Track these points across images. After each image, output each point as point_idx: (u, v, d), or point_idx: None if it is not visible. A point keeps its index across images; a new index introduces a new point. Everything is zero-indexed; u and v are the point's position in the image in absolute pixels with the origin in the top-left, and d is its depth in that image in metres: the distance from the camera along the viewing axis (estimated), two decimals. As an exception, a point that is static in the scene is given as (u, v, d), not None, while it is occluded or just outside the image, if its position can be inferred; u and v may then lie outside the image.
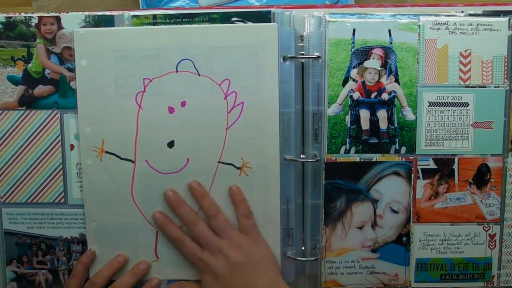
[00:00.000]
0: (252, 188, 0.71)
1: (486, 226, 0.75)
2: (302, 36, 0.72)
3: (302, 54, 0.71)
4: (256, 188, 0.71)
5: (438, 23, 0.72)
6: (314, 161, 0.72)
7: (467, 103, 0.73)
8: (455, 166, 0.74)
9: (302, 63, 0.72)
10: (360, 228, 0.73)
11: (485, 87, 0.72)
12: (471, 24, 0.71)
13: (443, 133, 0.73)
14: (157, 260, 0.73)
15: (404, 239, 0.74)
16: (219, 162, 0.71)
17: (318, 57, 0.71)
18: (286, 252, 0.74)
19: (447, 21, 0.71)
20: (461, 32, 0.72)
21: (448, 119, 0.73)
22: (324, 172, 0.72)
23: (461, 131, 0.73)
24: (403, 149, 0.73)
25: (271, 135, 0.70)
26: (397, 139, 0.73)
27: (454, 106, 0.73)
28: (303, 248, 0.75)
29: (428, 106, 0.73)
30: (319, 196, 0.73)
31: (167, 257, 0.73)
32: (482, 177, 0.74)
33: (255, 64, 0.69)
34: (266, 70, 0.69)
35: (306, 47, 0.72)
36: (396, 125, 0.73)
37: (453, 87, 0.72)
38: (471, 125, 0.73)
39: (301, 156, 0.73)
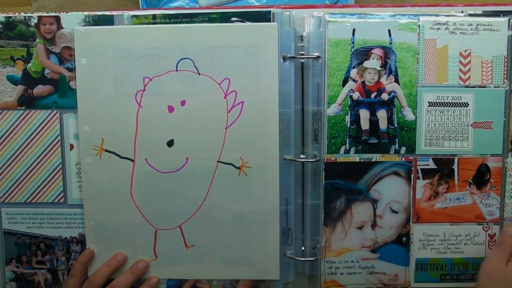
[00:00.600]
0: (251, 188, 0.71)
1: (486, 226, 0.74)
2: (302, 36, 0.72)
3: (302, 54, 0.71)
4: (255, 187, 0.71)
5: (438, 23, 0.71)
6: (313, 161, 0.72)
7: (466, 103, 0.72)
8: (455, 166, 0.73)
9: (302, 63, 0.72)
10: (360, 228, 0.73)
11: (484, 87, 0.72)
12: (471, 24, 0.71)
13: (443, 133, 0.73)
14: (156, 259, 0.73)
15: (404, 239, 0.74)
16: (218, 161, 0.71)
17: (318, 57, 0.71)
18: (286, 252, 0.74)
19: (447, 21, 0.71)
20: (461, 32, 0.71)
21: (448, 119, 0.73)
22: (323, 172, 0.72)
23: (461, 131, 0.73)
24: (403, 149, 0.73)
25: (270, 134, 0.70)
26: (396, 139, 0.73)
27: (454, 106, 0.72)
28: (302, 248, 0.75)
29: (428, 106, 0.72)
30: (319, 196, 0.73)
31: (166, 256, 0.73)
32: (481, 177, 0.74)
33: (255, 64, 0.69)
34: (266, 70, 0.69)
35: (306, 47, 0.72)
36: (395, 125, 0.72)
37: (453, 87, 0.72)
38: (470, 125, 0.73)
39: (301, 156, 0.73)
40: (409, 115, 0.72)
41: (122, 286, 0.71)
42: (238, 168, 0.71)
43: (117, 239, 0.73)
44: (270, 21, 0.71)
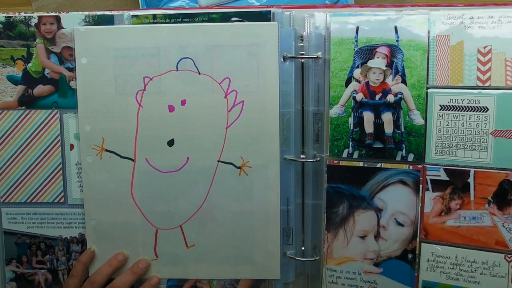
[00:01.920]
0: (252, 188, 0.71)
1: (509, 256, 0.66)
2: (302, 36, 0.72)
3: (302, 54, 0.71)
4: (256, 187, 0.71)
5: (452, 17, 0.65)
6: (314, 161, 0.72)
7: (486, 107, 0.64)
8: (471, 180, 0.66)
9: (302, 63, 0.72)
10: (363, 237, 0.70)
11: (510, 89, 0.64)
12: (492, 16, 0.64)
13: (457, 141, 0.66)
14: (156, 259, 0.73)
15: (410, 256, 0.69)
16: (219, 161, 0.71)
17: (318, 57, 0.71)
18: (286, 252, 0.73)
19: (463, 14, 0.65)
20: (479, 26, 0.64)
21: (463, 125, 0.66)
22: (326, 175, 0.71)
23: (479, 140, 0.65)
24: (411, 156, 0.68)
25: (271, 134, 0.70)
26: (403, 145, 0.68)
27: (470, 111, 0.65)
28: (303, 248, 0.75)
29: (440, 110, 0.66)
30: (320, 197, 0.72)
31: (167, 256, 0.73)
32: (504, 195, 0.65)
33: (255, 63, 0.69)
34: (266, 69, 0.69)
35: (306, 47, 0.71)
36: (402, 130, 0.68)
37: (470, 89, 0.65)
38: (491, 133, 0.65)
39: (301, 156, 0.72)
40: (417, 119, 0.67)
41: (123, 285, 0.71)
42: (239, 167, 0.71)
43: (117, 239, 0.73)
44: (270, 21, 0.70)
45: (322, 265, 0.73)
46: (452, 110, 0.66)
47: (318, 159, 0.71)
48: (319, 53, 0.71)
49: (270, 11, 0.71)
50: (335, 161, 0.70)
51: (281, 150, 0.71)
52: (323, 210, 0.72)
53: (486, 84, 0.65)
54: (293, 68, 0.71)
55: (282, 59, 0.70)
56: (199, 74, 0.70)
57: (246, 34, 0.69)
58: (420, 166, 0.68)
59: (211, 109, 0.70)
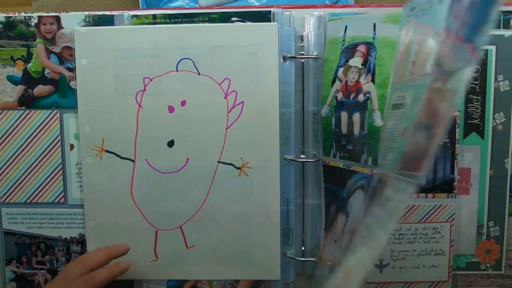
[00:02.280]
0: (252, 188, 0.71)
1: None
2: (302, 36, 0.72)
3: (302, 54, 0.71)
4: (256, 188, 0.71)
5: (413, 8, 0.52)
6: (314, 161, 0.72)
7: (406, 104, 0.52)
8: None
9: (302, 63, 0.72)
10: (335, 242, 0.68)
11: (424, 77, 0.46)
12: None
13: (389, 143, 0.56)
14: (156, 259, 0.73)
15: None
16: (219, 162, 0.71)
17: (318, 57, 0.71)
18: (286, 252, 0.73)
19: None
20: (423, 14, 0.49)
21: (391, 126, 0.56)
22: (323, 174, 0.71)
23: (394, 142, 0.54)
24: (369, 160, 0.63)
25: (271, 134, 0.70)
26: (365, 148, 0.64)
27: (398, 109, 0.54)
28: (303, 248, 0.75)
29: (392, 109, 0.56)
30: (320, 197, 0.72)
31: (167, 257, 0.73)
32: None
33: (255, 64, 0.69)
34: (266, 70, 0.69)
35: (306, 47, 0.71)
36: (365, 131, 0.64)
37: (403, 85, 0.53)
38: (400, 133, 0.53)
39: (301, 156, 0.72)
40: (377, 120, 0.63)
41: (95, 257, 0.66)
42: (239, 168, 0.71)
43: (117, 239, 0.73)
44: (270, 21, 0.71)
45: (318, 262, 0.73)
46: (395, 109, 0.55)
47: (318, 159, 0.71)
48: (319, 53, 0.70)
49: (270, 11, 0.71)
50: (326, 161, 0.71)
51: (281, 150, 0.71)
52: (322, 208, 0.72)
53: (413, 77, 0.50)
54: (293, 68, 0.71)
55: (282, 59, 0.70)
56: (199, 74, 0.70)
57: (246, 35, 0.69)
58: (375, 171, 0.62)
59: (211, 110, 0.70)
